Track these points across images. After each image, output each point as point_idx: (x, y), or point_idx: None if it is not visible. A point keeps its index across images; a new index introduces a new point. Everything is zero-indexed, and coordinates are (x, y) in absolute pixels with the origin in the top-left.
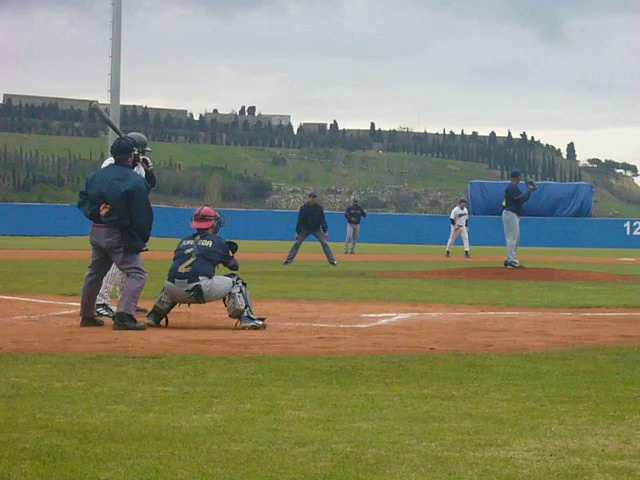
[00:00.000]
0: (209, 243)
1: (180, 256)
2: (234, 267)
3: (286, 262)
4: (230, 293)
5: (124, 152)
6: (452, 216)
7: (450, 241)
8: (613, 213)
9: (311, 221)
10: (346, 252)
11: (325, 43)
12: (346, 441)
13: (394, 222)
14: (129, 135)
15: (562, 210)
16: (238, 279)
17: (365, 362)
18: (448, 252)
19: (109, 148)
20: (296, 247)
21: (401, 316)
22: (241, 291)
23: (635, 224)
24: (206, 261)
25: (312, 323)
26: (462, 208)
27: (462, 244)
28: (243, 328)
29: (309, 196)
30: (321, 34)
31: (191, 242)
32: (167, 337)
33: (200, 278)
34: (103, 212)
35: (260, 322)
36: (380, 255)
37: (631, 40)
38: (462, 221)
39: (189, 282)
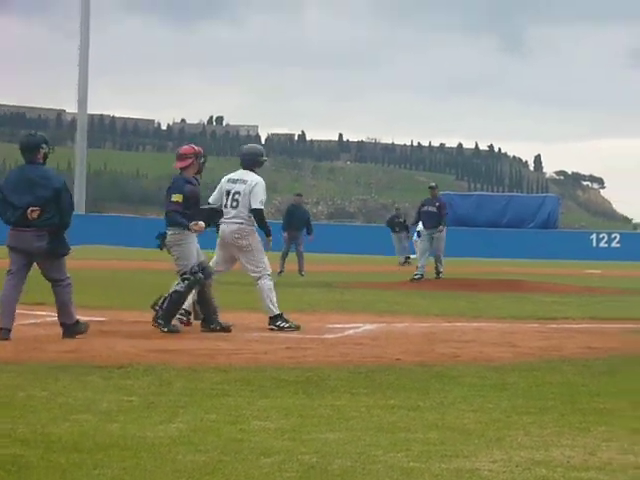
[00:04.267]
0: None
1: None
2: (167, 213)
3: (280, 272)
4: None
5: (32, 150)
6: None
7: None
8: (580, 225)
9: (297, 219)
10: (401, 263)
11: (292, 54)
12: (312, 452)
13: (362, 233)
14: (245, 147)
15: (529, 222)
16: (192, 274)
17: (332, 372)
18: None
19: (77, 158)
20: (284, 256)
21: (368, 327)
22: (176, 291)
23: (601, 236)
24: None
25: (279, 333)
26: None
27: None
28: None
29: (295, 195)
30: (287, 45)
31: None
32: (132, 347)
33: (169, 229)
34: (34, 215)
35: (174, 327)
36: (346, 266)
37: (597, 53)
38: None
39: (168, 226)
